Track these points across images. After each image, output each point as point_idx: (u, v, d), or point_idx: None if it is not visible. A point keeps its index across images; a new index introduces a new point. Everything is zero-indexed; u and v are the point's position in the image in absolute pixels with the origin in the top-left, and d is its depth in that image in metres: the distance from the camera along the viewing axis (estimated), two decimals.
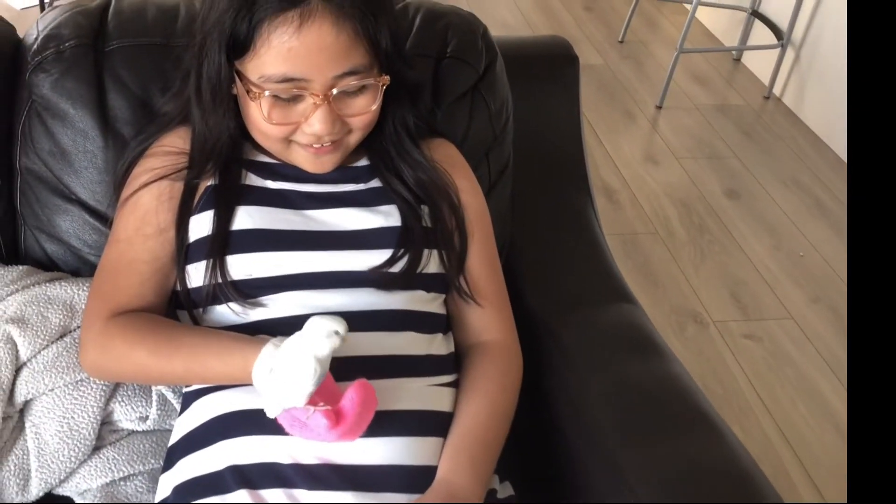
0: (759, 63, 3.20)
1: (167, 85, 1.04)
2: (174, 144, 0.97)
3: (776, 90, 3.10)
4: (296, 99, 0.88)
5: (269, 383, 0.79)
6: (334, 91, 0.87)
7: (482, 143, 1.15)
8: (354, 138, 0.95)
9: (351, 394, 0.79)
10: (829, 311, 2.13)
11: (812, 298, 2.17)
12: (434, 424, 0.91)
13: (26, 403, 0.96)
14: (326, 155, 0.94)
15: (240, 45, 0.87)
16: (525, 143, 1.23)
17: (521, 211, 1.21)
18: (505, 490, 0.98)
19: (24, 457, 0.94)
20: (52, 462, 0.94)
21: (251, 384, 0.83)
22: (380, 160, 1.00)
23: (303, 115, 0.89)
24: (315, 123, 0.89)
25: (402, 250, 0.94)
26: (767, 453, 1.74)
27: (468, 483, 0.88)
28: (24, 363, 0.97)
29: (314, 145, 0.92)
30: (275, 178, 0.96)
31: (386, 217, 0.96)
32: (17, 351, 0.96)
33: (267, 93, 0.87)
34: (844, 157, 2.74)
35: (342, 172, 0.98)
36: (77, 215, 1.05)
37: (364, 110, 0.91)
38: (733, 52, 3.35)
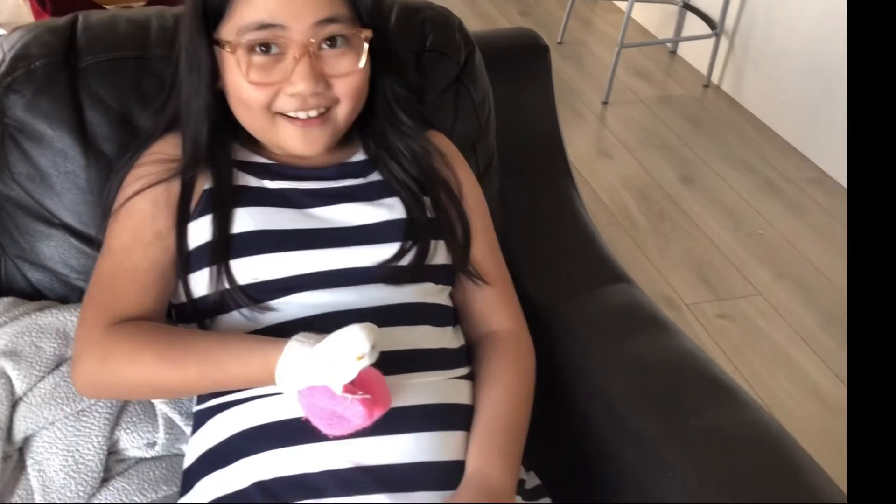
0: (695, 54, 3.28)
1: (145, 98, 1.00)
2: (165, 151, 0.93)
3: (714, 78, 3.18)
4: (276, 56, 0.87)
5: (306, 359, 0.76)
6: (313, 40, 0.85)
7: (469, 136, 1.15)
8: (343, 111, 0.91)
9: (364, 377, 0.77)
10: (793, 284, 2.18)
11: (776, 274, 2.22)
12: (458, 418, 0.89)
13: (26, 440, 0.91)
14: (315, 129, 0.90)
15: (216, 10, 0.87)
16: (505, 134, 1.23)
17: (510, 202, 1.21)
18: (532, 480, 0.96)
19: (28, 496, 0.89)
20: (59, 499, 0.89)
21: (272, 386, 0.79)
22: (377, 147, 0.98)
23: (284, 75, 0.87)
24: (297, 80, 0.86)
25: (409, 242, 0.92)
26: None
27: (501, 475, 0.87)
28: (21, 398, 0.92)
29: (300, 116, 0.89)
30: (272, 178, 0.94)
31: (390, 210, 0.94)
32: (12, 385, 0.91)
33: (244, 39, 0.85)
34: (786, 137, 2.82)
35: (340, 168, 0.96)
36: (61, 240, 1.01)
37: (350, 70, 0.89)
38: (669, 45, 3.43)
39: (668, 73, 3.26)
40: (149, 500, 0.92)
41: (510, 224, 1.18)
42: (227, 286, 0.88)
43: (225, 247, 0.89)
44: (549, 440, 1.00)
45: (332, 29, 0.86)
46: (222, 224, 0.89)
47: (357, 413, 0.75)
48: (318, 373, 0.75)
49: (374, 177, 0.97)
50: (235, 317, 0.89)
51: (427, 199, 0.97)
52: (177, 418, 0.96)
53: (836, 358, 1.96)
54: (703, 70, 3.19)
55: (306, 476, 0.82)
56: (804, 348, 1.98)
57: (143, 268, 0.89)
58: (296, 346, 0.77)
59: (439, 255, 0.95)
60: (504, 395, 0.93)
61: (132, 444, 0.94)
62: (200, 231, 0.90)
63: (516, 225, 1.19)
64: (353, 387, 0.74)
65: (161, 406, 0.96)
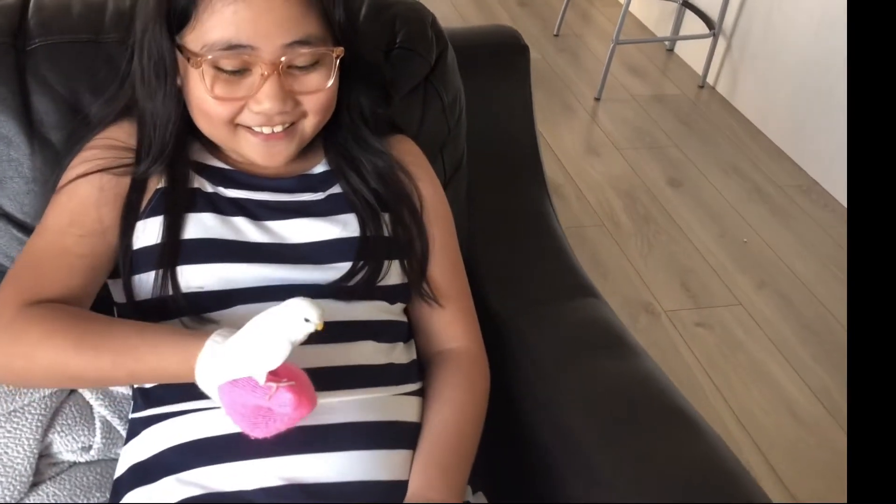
0: (692, 53, 3.23)
1: (97, 85, 0.96)
2: (118, 138, 0.89)
3: (710, 79, 3.13)
4: (242, 72, 0.82)
5: (226, 350, 0.72)
6: (283, 59, 0.81)
7: (436, 139, 1.10)
8: (310, 124, 0.88)
9: (287, 367, 0.73)
10: (775, 295, 2.15)
11: (758, 284, 2.19)
12: (402, 436, 0.86)
13: None
14: (279, 143, 0.87)
15: (181, 15, 0.81)
16: (477, 137, 1.19)
17: (478, 208, 1.17)
18: (479, 501, 0.93)
19: None
20: None
21: (191, 381, 0.75)
22: (340, 159, 0.94)
23: (250, 91, 0.82)
24: (263, 99, 0.82)
25: (361, 262, 0.89)
26: (726, 441, 1.73)
27: (442, 497, 0.84)
28: None
29: (264, 130, 0.85)
30: (227, 185, 0.90)
31: (344, 227, 0.91)
32: None
33: (210, 56, 0.80)
34: (778, 143, 2.78)
35: (300, 181, 0.92)
36: (3, 230, 0.96)
37: (319, 87, 0.85)
38: (666, 43, 3.38)
39: (664, 72, 3.21)
40: None
41: (476, 231, 1.15)
42: (170, 292, 0.84)
43: (174, 251, 0.85)
44: (499, 460, 0.97)
45: (303, 51, 0.82)
46: (173, 228, 0.86)
47: (284, 402, 0.70)
48: (243, 359, 0.71)
49: (333, 190, 0.93)
50: (176, 325, 0.85)
51: (386, 216, 0.93)
52: (115, 422, 0.93)
53: (813, 373, 1.93)
54: (699, 70, 3.14)
55: (238, 493, 0.79)
56: (781, 361, 1.96)
57: (76, 253, 0.84)
58: (218, 340, 0.74)
59: (393, 274, 0.92)
60: (452, 414, 0.90)
61: (66, 447, 0.91)
62: (149, 232, 0.86)
63: (482, 232, 1.15)
64: (277, 377, 0.71)
65: (99, 409, 0.93)
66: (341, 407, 0.83)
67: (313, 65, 0.84)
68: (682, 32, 3.31)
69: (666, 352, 1.95)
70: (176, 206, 0.86)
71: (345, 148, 0.94)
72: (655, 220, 2.39)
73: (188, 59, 0.82)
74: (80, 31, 0.98)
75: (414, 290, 0.94)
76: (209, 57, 0.80)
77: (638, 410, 0.92)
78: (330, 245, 0.90)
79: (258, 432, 0.74)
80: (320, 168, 0.95)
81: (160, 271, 0.84)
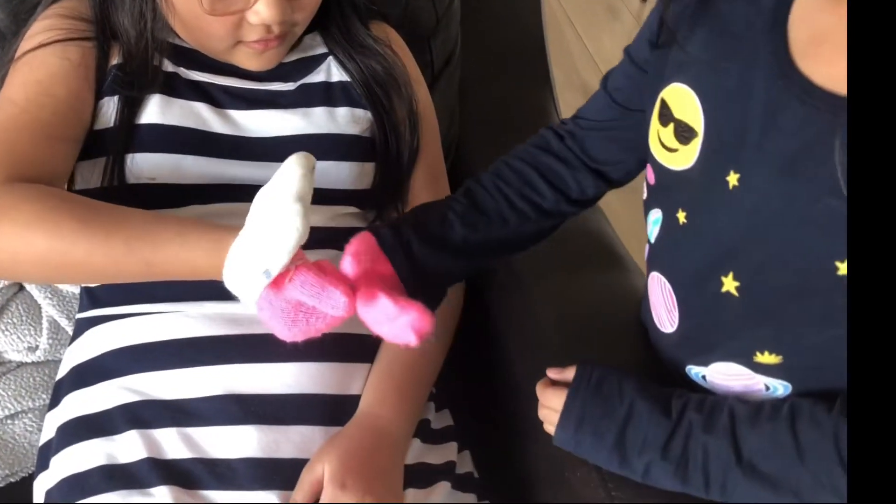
0: None
1: None
2: (74, 8, 0.81)
3: None
4: None
5: (244, 247, 0.61)
6: None
7: (423, 28, 1.01)
8: (300, 28, 0.82)
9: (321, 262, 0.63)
10: None
11: None
12: (357, 348, 0.80)
13: None
14: (274, 49, 0.81)
15: None
16: (474, 28, 1.09)
17: (470, 107, 1.08)
18: (442, 419, 0.87)
19: None
20: None
21: (214, 278, 0.63)
22: (334, 44, 0.87)
23: (246, 2, 0.75)
24: (262, 9, 0.75)
25: (332, 163, 0.82)
26: None
27: (394, 416, 0.78)
28: None
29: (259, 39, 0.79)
30: (190, 66, 0.82)
31: (316, 123, 0.83)
32: None
33: None
34: None
35: (271, 69, 0.85)
36: None
37: None
38: None
39: None
40: (24, 408, 0.86)
41: (466, 131, 1.06)
42: (115, 182, 0.78)
43: (125, 137, 0.78)
44: (468, 377, 0.91)
45: None
46: (127, 110, 0.79)
47: (337, 303, 0.61)
48: (268, 242, 0.59)
49: (307, 80, 0.86)
50: None
51: (367, 113, 0.85)
52: (63, 322, 0.88)
53: None
54: None
55: (174, 402, 0.74)
56: None
57: (54, 124, 0.74)
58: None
59: (367, 177, 0.84)
60: None
61: (12, 346, 0.87)
62: (103, 112, 0.79)
63: (474, 134, 1.06)
64: (322, 272, 0.61)
65: (47, 308, 0.88)
66: None
67: None
68: None
69: None
70: (131, 86, 0.79)
71: (337, 35, 0.87)
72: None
73: None
74: None
75: (388, 202, 0.87)
76: None
77: (614, 326, 0.83)
78: (297, 141, 0.82)
79: (294, 333, 0.63)
80: (294, 56, 0.87)
81: (109, 158, 0.78)
